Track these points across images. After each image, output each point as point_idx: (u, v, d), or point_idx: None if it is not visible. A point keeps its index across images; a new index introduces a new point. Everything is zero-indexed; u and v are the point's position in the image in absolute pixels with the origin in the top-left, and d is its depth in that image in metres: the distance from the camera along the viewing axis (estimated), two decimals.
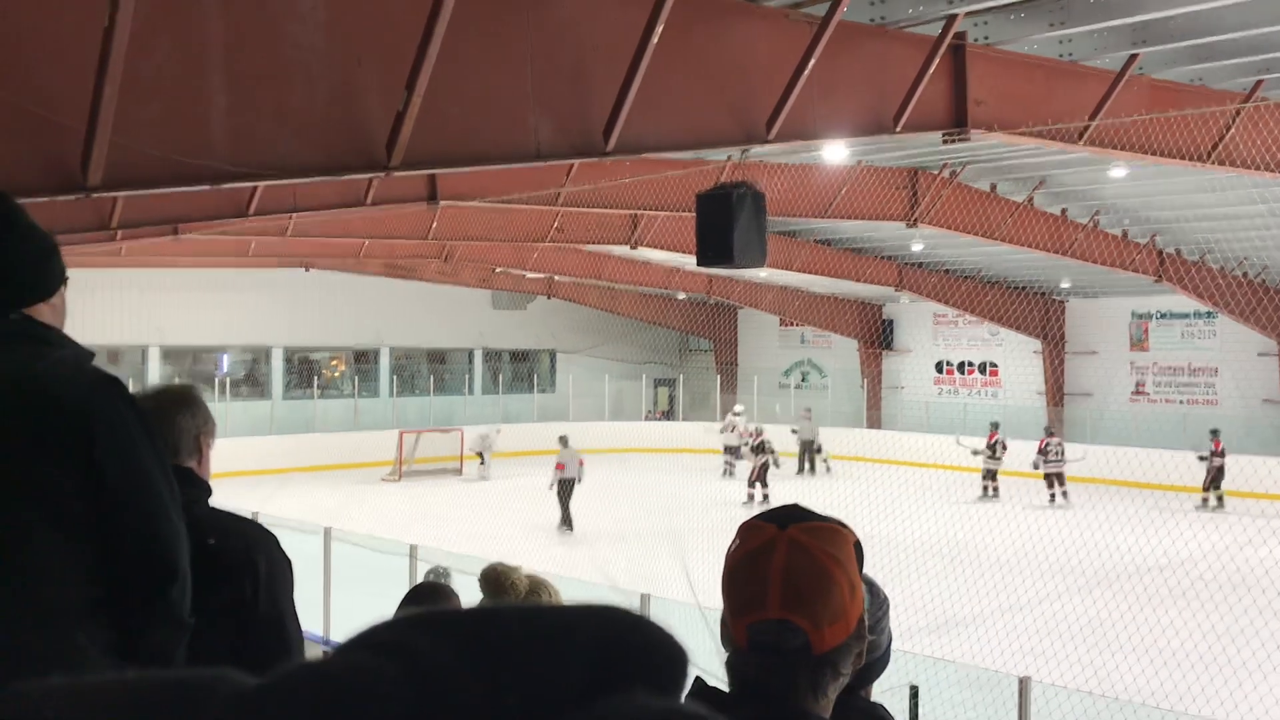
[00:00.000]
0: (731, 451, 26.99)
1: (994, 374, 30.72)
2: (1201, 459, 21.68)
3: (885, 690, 3.12)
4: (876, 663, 1.93)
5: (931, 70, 8.26)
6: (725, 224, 8.38)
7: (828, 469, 27.27)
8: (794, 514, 1.45)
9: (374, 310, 30.93)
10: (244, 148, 5.71)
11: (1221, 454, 21.85)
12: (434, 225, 18.81)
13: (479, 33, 6.27)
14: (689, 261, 21.24)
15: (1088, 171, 17.64)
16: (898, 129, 8.42)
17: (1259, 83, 10.38)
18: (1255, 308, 22.43)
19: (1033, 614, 12.89)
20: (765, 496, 22.19)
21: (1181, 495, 21.85)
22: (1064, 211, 20.27)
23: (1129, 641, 10.96)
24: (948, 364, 31.78)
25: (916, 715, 5.94)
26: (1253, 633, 11.31)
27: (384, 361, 32.34)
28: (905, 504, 20.44)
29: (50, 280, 2.20)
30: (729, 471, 26.82)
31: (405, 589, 3.47)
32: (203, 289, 27.67)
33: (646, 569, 12.07)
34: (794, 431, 26.70)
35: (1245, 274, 22.50)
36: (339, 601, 9.36)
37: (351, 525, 14.63)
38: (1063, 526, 16.90)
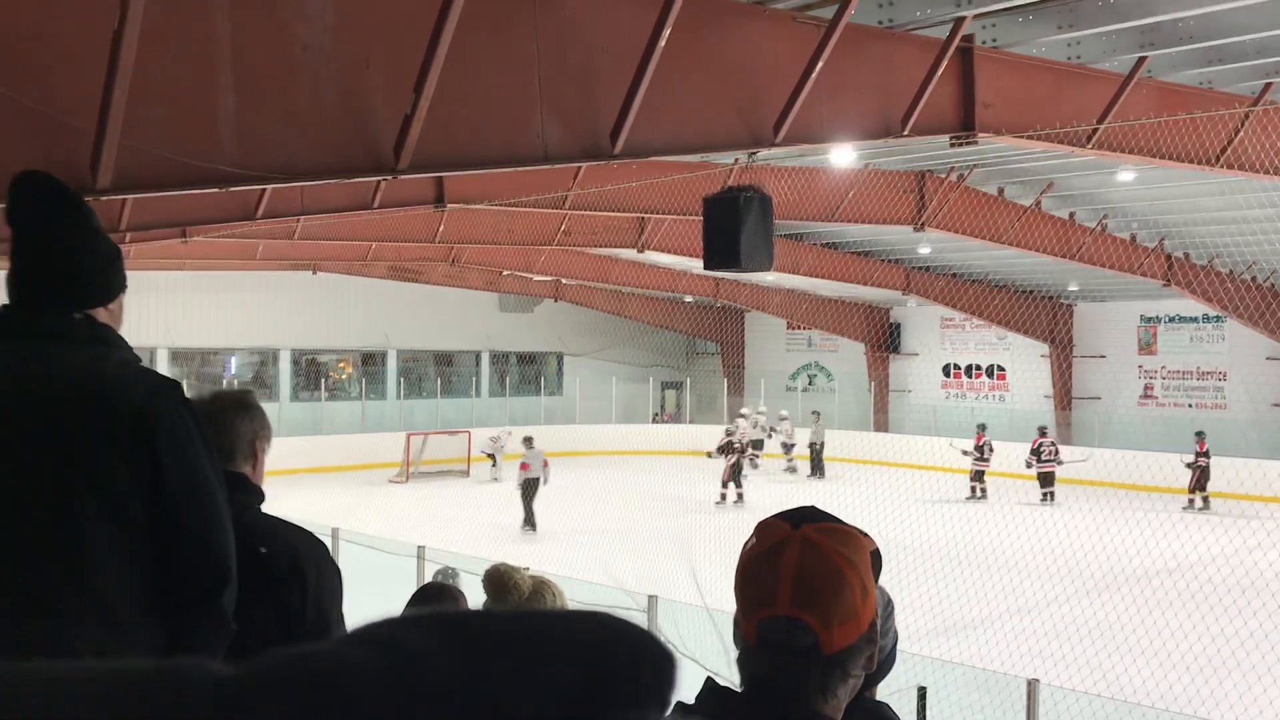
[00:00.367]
0: (739, 452, 27.17)
1: (1001, 378, 30.67)
2: (1188, 465, 21.90)
3: (893, 691, 3.12)
4: (882, 664, 1.93)
5: (939, 73, 8.25)
6: (732, 227, 8.39)
7: (824, 470, 27.35)
8: (810, 515, 1.46)
9: (381, 313, 30.99)
10: (252, 150, 5.73)
11: (1207, 455, 22.01)
12: (441, 228, 18.83)
13: (487, 35, 6.28)
14: (696, 264, 21.28)
15: (1096, 175, 17.61)
16: (905, 132, 8.41)
17: (1268, 85, 10.35)
18: (1264, 312, 22.35)
19: (1041, 616, 12.86)
20: (740, 497, 22.42)
21: (1187, 497, 21.81)
22: (1072, 215, 20.23)
23: (1138, 644, 10.93)
24: (955, 367, 31.73)
25: (924, 717, 5.94)
26: (1262, 636, 11.27)
27: (391, 364, 32.39)
28: (913, 507, 20.41)
29: (113, 286, 2.25)
30: (745, 471, 27.06)
31: (413, 590, 3.48)
32: (211, 291, 27.75)
33: (654, 570, 12.07)
34: (769, 433, 26.74)
35: (1254, 278, 22.43)
36: (347, 602, 9.35)
37: (359, 526, 14.65)
38: (1072, 530, 16.86)
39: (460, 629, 0.62)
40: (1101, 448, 25.29)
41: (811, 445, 27.69)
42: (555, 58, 6.57)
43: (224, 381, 28.93)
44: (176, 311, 27.39)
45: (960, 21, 8.02)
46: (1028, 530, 15.48)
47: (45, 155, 5.30)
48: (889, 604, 2.00)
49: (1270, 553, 15.38)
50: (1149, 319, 27.73)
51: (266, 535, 2.40)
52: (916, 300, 28.62)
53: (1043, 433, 23.74)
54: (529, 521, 19.51)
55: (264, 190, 11.20)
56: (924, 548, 15.00)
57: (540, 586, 2.62)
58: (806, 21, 7.60)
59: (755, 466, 23.19)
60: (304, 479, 23.73)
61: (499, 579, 2.59)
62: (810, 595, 1.38)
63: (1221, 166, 11.07)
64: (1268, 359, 25.36)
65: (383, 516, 19.44)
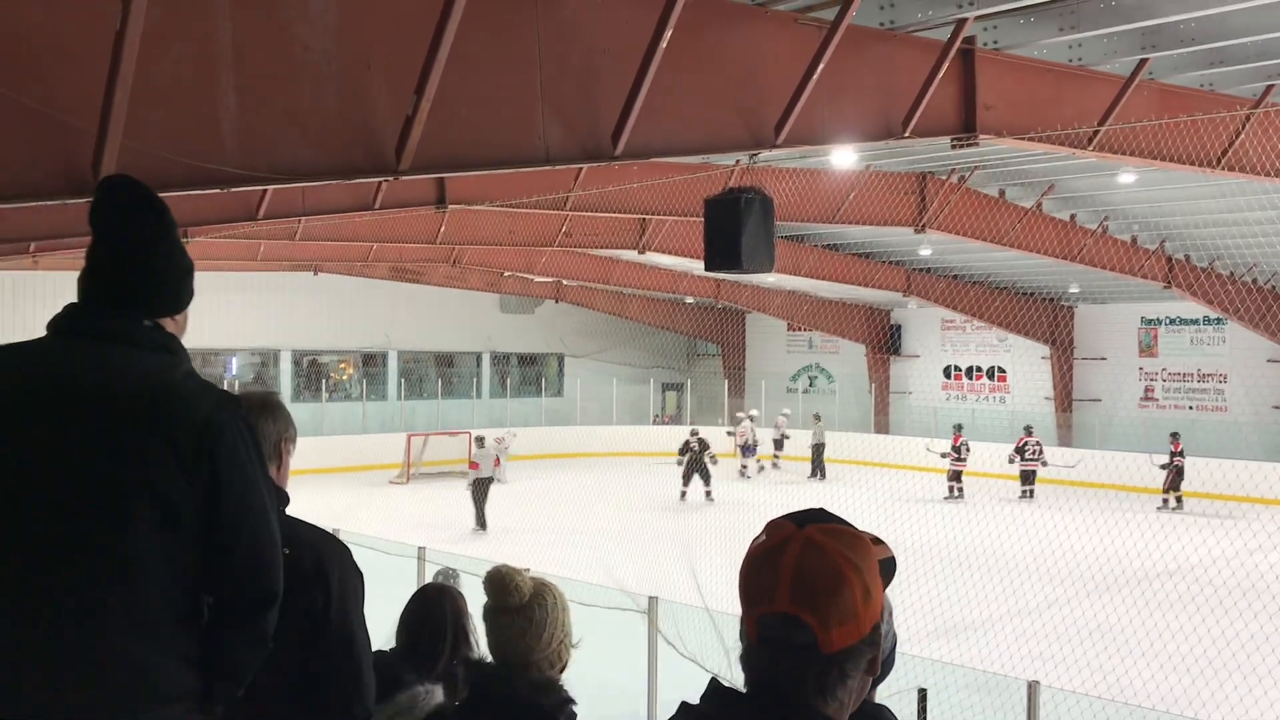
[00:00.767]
0: (747, 453, 27.52)
1: (1002, 379, 30.67)
2: (1163, 467, 22.12)
3: (893, 693, 3.12)
4: (882, 666, 1.93)
5: (940, 75, 8.25)
6: (733, 229, 8.38)
7: (825, 471, 27.40)
8: (817, 516, 1.47)
9: (382, 314, 31.00)
10: (254, 151, 5.73)
11: (1181, 455, 22.25)
12: (442, 229, 18.83)
13: (488, 36, 6.28)
14: (697, 266, 21.30)
15: (1097, 177, 17.61)
16: (906, 134, 8.41)
17: (1269, 88, 10.35)
18: (1265, 314, 22.35)
19: (1042, 618, 12.86)
20: (707, 494, 22.93)
21: (1191, 500, 21.82)
22: (1073, 217, 20.23)
23: (1138, 646, 10.93)
24: (956, 369, 31.74)
25: (925, 718, 5.93)
26: (1263, 638, 11.27)
27: (392, 365, 32.40)
28: (911, 508, 20.40)
29: (183, 297, 2.27)
30: (744, 473, 27.25)
31: (413, 590, 3.48)
32: (211, 292, 27.62)
33: (654, 571, 12.06)
34: (729, 433, 26.79)
35: (1255, 280, 22.43)
36: None
37: (360, 527, 14.63)
38: (1072, 532, 16.85)
39: None
40: (1102, 450, 25.31)
41: (813, 447, 27.76)
42: (557, 59, 6.57)
43: (224, 382, 28.92)
44: None
45: (962, 23, 8.02)
46: (1028, 532, 15.47)
47: (47, 155, 5.30)
48: (888, 606, 2.00)
49: (1271, 555, 15.37)
50: (1150, 321, 27.74)
51: (291, 537, 2.40)
52: (917, 302, 28.62)
53: (1028, 432, 24.25)
54: (480, 521, 19.51)
55: (265, 191, 11.21)
56: (924, 549, 14.99)
57: (541, 588, 2.62)
58: (808, 23, 7.60)
59: (714, 463, 23.57)
60: (305, 480, 23.66)
61: (500, 580, 2.59)
62: (809, 593, 1.38)
63: (1222, 169, 11.07)
64: (1268, 361, 25.36)
65: (383, 517, 19.43)
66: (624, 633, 7.61)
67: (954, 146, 9.30)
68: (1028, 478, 23.72)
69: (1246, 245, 20.22)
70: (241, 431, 2.11)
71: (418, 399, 32.07)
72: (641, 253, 21.78)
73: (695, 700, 1.46)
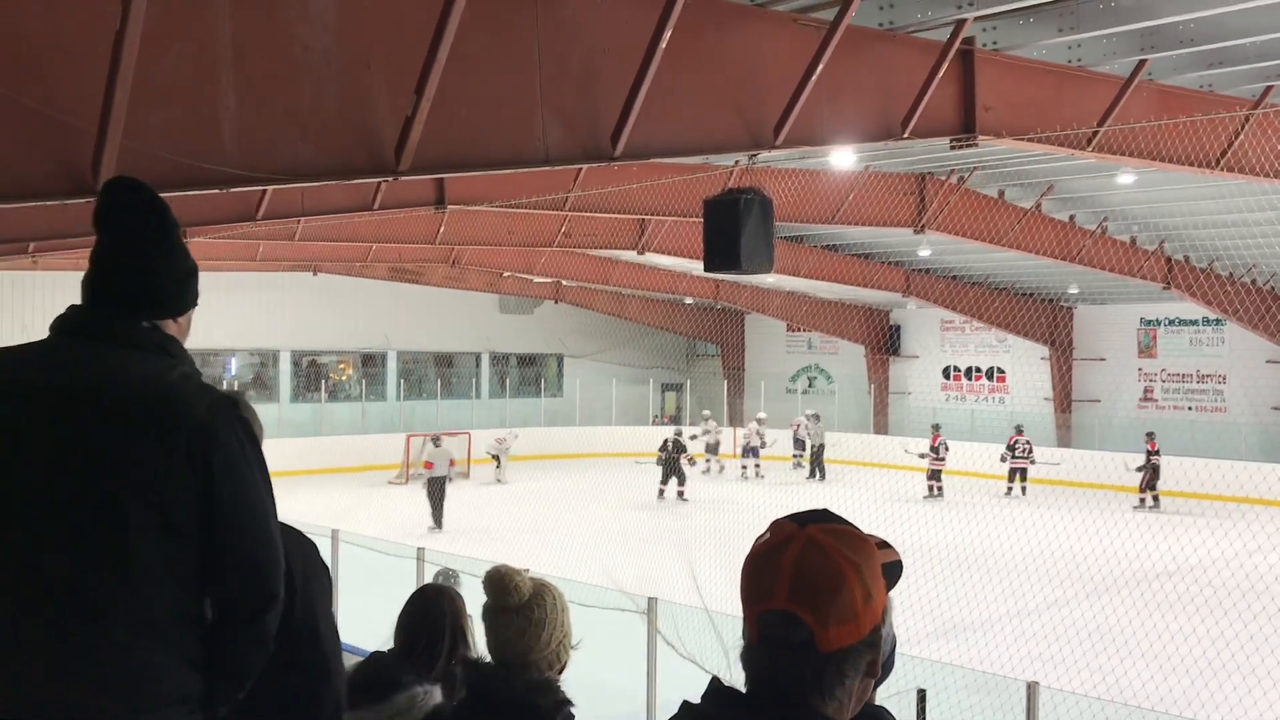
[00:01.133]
0: (753, 453, 27.73)
1: (1001, 380, 30.68)
2: (1139, 469, 22.35)
3: (892, 694, 3.12)
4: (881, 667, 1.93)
5: (940, 75, 8.25)
6: (732, 229, 8.38)
7: (825, 472, 27.42)
8: (821, 516, 1.47)
9: (381, 314, 31.00)
10: (253, 151, 5.73)
11: (1157, 454, 22.50)
12: (441, 229, 18.84)
13: (488, 37, 6.28)
14: (696, 266, 21.28)
15: (1096, 178, 17.63)
16: (906, 134, 8.41)
17: (1269, 89, 10.35)
18: (1264, 315, 22.37)
19: (1041, 619, 12.86)
20: (680, 493, 23.26)
21: (1192, 501, 21.82)
22: (1072, 218, 20.24)
23: (1138, 647, 10.93)
24: (955, 370, 31.75)
25: (924, 719, 5.93)
26: (1262, 639, 11.27)
27: (391, 365, 32.40)
28: (911, 508, 20.40)
29: (185, 300, 2.28)
30: (746, 473, 27.36)
31: (412, 591, 3.48)
32: (210, 292, 27.05)
33: (653, 571, 12.07)
34: (692, 438, 26.90)
35: (1254, 281, 22.44)
36: (347, 603, 9.36)
37: (359, 527, 14.65)
38: (1071, 533, 16.86)
39: None
40: (1101, 450, 25.34)
41: (812, 448, 27.77)
42: (556, 59, 6.57)
43: (224, 383, 28.92)
44: None
45: (961, 24, 8.03)
46: (1027, 533, 15.47)
47: (46, 156, 5.30)
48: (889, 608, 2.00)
49: (1270, 556, 15.38)
50: (1149, 322, 27.75)
51: None
52: (916, 302, 28.64)
53: (1019, 431, 24.86)
54: (436, 520, 19.56)
55: (264, 191, 11.21)
56: (923, 549, 14.99)
57: (540, 589, 2.62)
58: (807, 23, 7.60)
59: (692, 464, 23.85)
60: (304, 480, 23.72)
61: (499, 580, 2.59)
62: (807, 592, 1.39)
63: (1222, 169, 11.08)
64: (1267, 362, 25.38)
65: (383, 518, 19.44)
66: (623, 633, 7.61)
67: (953, 147, 9.30)
68: (1019, 475, 24.41)
69: (1246, 246, 20.24)
70: (238, 432, 2.11)
71: (417, 399, 32.07)
72: (641, 253, 21.79)
73: (697, 700, 1.46)
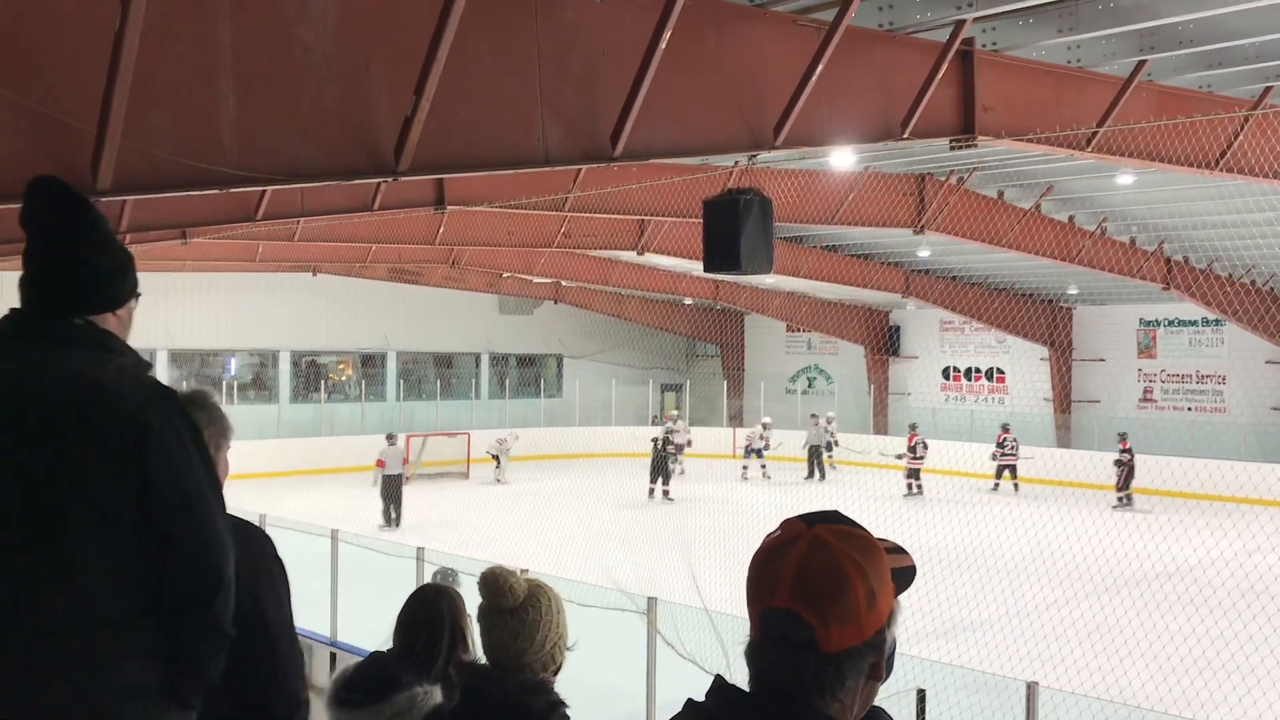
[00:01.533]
0: (756, 454, 27.71)
1: (1001, 380, 30.69)
2: (1118, 464, 22.78)
3: (892, 694, 3.12)
4: None
5: (940, 76, 8.25)
6: (732, 230, 8.38)
7: (825, 473, 27.44)
8: (828, 517, 1.47)
9: (381, 314, 31.00)
10: (253, 151, 5.73)
11: (1128, 452, 22.92)
12: (441, 230, 18.84)
13: (488, 37, 6.28)
14: (696, 267, 21.29)
15: (1095, 178, 17.63)
16: (905, 135, 8.41)
17: (1268, 89, 10.36)
18: (1263, 315, 22.38)
19: (1040, 619, 12.86)
20: (665, 493, 23.57)
21: (1191, 501, 21.83)
22: (1071, 218, 20.25)
23: (1137, 647, 10.93)
24: (955, 370, 31.76)
25: (924, 719, 5.93)
26: (1261, 639, 11.27)
27: (391, 365, 32.39)
28: (910, 508, 20.41)
29: (120, 293, 2.27)
30: (746, 474, 27.34)
31: (411, 591, 3.48)
32: (210, 292, 27.75)
33: (653, 572, 12.06)
34: (653, 440, 26.91)
35: (1253, 281, 22.45)
36: (346, 603, 9.37)
37: (359, 528, 14.64)
38: (1071, 533, 16.87)
39: None
40: (1100, 451, 25.36)
41: (812, 448, 27.74)
42: (556, 60, 6.57)
43: (224, 383, 28.92)
44: (176, 313, 27.39)
45: (960, 24, 8.03)
46: (1026, 533, 15.47)
47: (46, 156, 5.30)
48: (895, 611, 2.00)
49: (1269, 556, 15.38)
50: (1148, 322, 27.76)
51: None
52: (916, 303, 28.65)
53: (1005, 429, 25.53)
54: (386, 517, 19.56)
55: (264, 192, 11.21)
56: (922, 550, 14.98)
57: (535, 590, 2.62)
58: (807, 24, 7.60)
59: (675, 462, 24.04)
60: (304, 480, 23.73)
61: (494, 581, 2.58)
62: (810, 591, 1.39)
63: (1221, 170, 11.08)
64: (1267, 362, 25.39)
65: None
66: (623, 633, 7.61)
67: (953, 148, 9.31)
68: (1009, 471, 25.01)
69: (1245, 247, 20.24)
70: (174, 423, 2.12)
71: (416, 400, 32.07)
72: (640, 254, 21.79)
73: (700, 698, 1.47)
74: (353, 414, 30.58)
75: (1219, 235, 20.17)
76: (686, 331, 35.97)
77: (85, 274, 2.20)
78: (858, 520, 1.49)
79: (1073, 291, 27.24)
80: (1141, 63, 9.23)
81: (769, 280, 27.53)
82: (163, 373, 27.98)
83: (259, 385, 30.49)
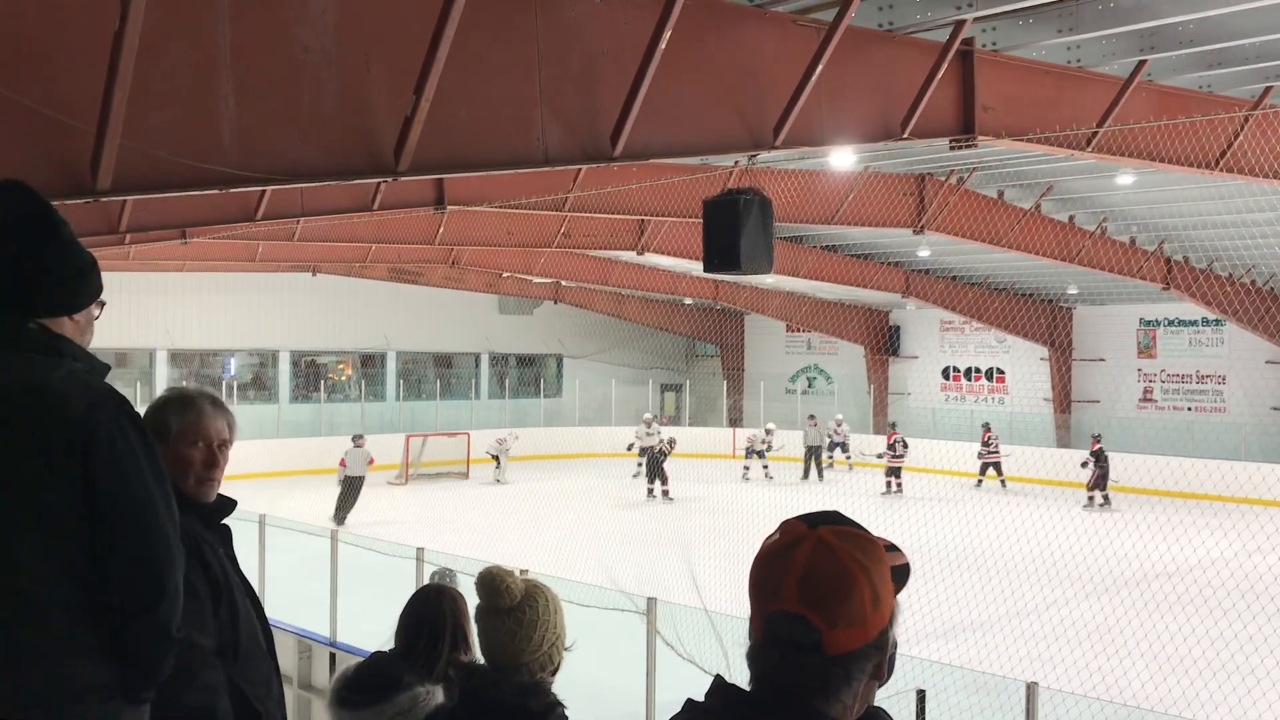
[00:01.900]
0: (758, 455, 27.71)
1: (1001, 380, 30.68)
2: (1084, 465, 22.91)
3: (892, 694, 3.12)
4: None
5: (939, 76, 8.25)
6: (732, 230, 8.38)
7: (823, 474, 27.45)
8: (831, 518, 1.47)
9: (380, 314, 31.00)
10: (253, 151, 5.73)
11: (1101, 452, 23.07)
12: (441, 230, 18.84)
13: (487, 37, 6.28)
14: (695, 267, 21.29)
15: (1095, 178, 17.63)
16: (905, 135, 8.41)
17: (1268, 89, 10.36)
18: (1264, 315, 22.38)
19: (1040, 619, 12.86)
20: (665, 493, 23.53)
21: (1190, 501, 21.82)
22: (1071, 218, 20.24)
23: (1137, 648, 10.93)
24: (955, 370, 31.75)
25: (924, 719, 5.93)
26: (1261, 640, 11.26)
27: (390, 365, 32.39)
28: (910, 508, 20.41)
29: (79, 297, 2.26)
30: (747, 474, 27.34)
31: (412, 591, 3.48)
32: (210, 292, 27.75)
33: (652, 572, 12.06)
34: (629, 447, 26.71)
35: (1253, 281, 22.45)
36: (346, 603, 9.37)
37: (358, 528, 14.65)
38: (1070, 533, 16.87)
39: None
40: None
41: (810, 449, 27.73)
42: (556, 60, 6.57)
43: (223, 383, 28.91)
44: (176, 313, 27.40)
45: (960, 24, 8.03)
46: (1025, 533, 15.48)
47: (46, 156, 5.30)
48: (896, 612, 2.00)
49: (1269, 556, 15.37)
50: (1148, 322, 27.76)
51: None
52: (916, 303, 28.65)
53: (986, 428, 26.14)
54: (339, 515, 19.42)
55: (264, 191, 11.20)
56: (922, 550, 14.99)
57: (533, 590, 2.61)
58: (807, 24, 7.60)
59: (663, 458, 24.10)
60: (304, 480, 23.71)
61: (491, 581, 2.58)
62: (817, 593, 1.39)
63: (1221, 170, 11.08)
64: (1267, 362, 25.38)
65: (382, 518, 19.44)
66: (622, 634, 7.60)
67: (953, 148, 9.30)
68: (993, 469, 25.58)
69: (1245, 247, 20.25)
70: (121, 426, 2.10)
71: (416, 400, 32.07)
72: (640, 254, 21.79)
73: (700, 698, 1.46)
74: (352, 414, 30.56)
75: (1219, 235, 20.16)
76: (686, 331, 35.97)
77: (45, 278, 2.18)
78: (858, 519, 1.49)
79: (1073, 291, 27.23)
80: (1141, 63, 9.23)
81: (769, 280, 27.53)
82: (162, 373, 28.00)
83: (259, 385, 30.49)
